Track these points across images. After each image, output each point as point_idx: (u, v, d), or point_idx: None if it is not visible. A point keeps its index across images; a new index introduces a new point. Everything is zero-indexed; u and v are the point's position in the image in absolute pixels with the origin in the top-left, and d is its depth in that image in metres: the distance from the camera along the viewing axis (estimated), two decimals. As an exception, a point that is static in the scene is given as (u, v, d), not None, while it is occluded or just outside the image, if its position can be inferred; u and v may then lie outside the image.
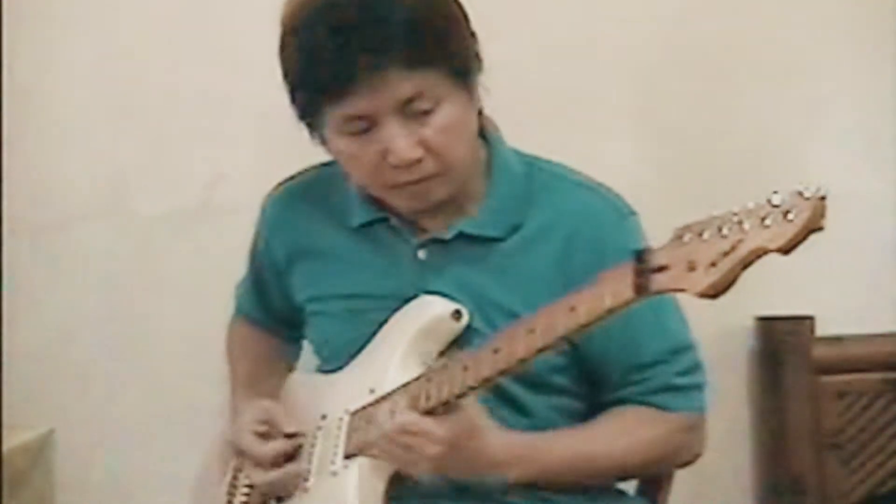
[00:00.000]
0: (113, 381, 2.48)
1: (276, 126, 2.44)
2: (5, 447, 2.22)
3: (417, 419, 1.68)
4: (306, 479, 1.87)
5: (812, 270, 2.41)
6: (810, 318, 2.51)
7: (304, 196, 1.98)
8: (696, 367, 1.85)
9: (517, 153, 1.89)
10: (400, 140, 1.72)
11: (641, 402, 1.81)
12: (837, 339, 2.54)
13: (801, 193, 1.37)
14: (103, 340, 2.49)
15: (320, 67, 1.71)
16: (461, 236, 1.83)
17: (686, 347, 1.85)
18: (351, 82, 1.69)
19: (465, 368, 1.69)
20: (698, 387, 1.85)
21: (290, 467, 1.88)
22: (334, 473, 1.82)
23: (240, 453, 1.94)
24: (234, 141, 2.49)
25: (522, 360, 1.63)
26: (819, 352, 2.52)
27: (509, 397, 1.79)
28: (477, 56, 1.79)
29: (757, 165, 2.56)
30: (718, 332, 2.52)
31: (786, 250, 1.37)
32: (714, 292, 1.43)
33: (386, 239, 1.88)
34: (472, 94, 1.78)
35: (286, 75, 1.79)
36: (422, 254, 1.85)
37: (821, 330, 2.52)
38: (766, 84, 2.57)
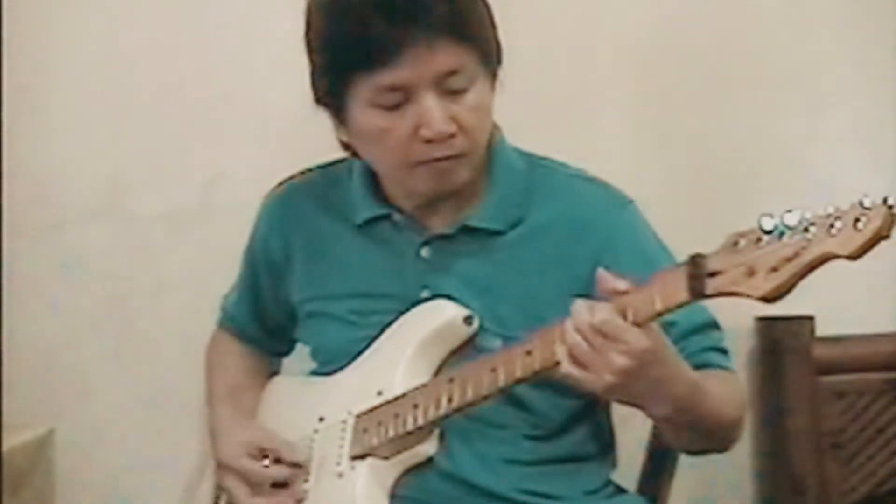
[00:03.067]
0: (113, 381, 2.48)
1: (276, 126, 2.47)
2: (5, 447, 2.22)
3: (621, 322, 1.58)
4: (305, 481, 1.87)
5: (812, 270, 2.41)
6: (810, 318, 2.51)
7: (304, 194, 1.98)
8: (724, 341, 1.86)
9: (517, 150, 1.90)
10: (436, 113, 1.73)
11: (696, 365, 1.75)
12: (837, 339, 2.53)
13: (863, 204, 1.40)
14: (103, 340, 2.49)
15: (368, 35, 1.72)
16: (464, 230, 1.84)
17: (718, 325, 1.85)
18: (400, 49, 1.71)
19: (493, 370, 1.70)
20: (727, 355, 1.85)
21: (280, 499, 1.88)
22: (340, 475, 1.82)
23: (231, 473, 1.93)
24: (234, 141, 2.49)
25: (559, 363, 1.64)
26: (819, 352, 2.51)
27: (510, 393, 1.79)
28: (500, 48, 1.82)
29: (757, 165, 2.57)
30: (718, 331, 2.52)
31: (854, 257, 1.40)
32: (775, 296, 1.46)
33: (389, 237, 1.88)
34: (494, 84, 1.81)
35: (318, 46, 1.80)
36: (425, 252, 1.86)
37: (821, 330, 2.52)
38: (766, 84, 2.57)
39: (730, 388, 1.80)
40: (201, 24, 2.47)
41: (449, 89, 1.75)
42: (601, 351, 1.58)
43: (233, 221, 2.38)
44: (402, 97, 1.74)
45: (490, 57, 1.79)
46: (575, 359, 1.61)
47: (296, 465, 1.88)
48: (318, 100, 1.83)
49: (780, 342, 2.52)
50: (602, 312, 1.59)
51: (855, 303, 2.57)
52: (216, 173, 2.49)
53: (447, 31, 1.72)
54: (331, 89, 1.79)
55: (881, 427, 2.54)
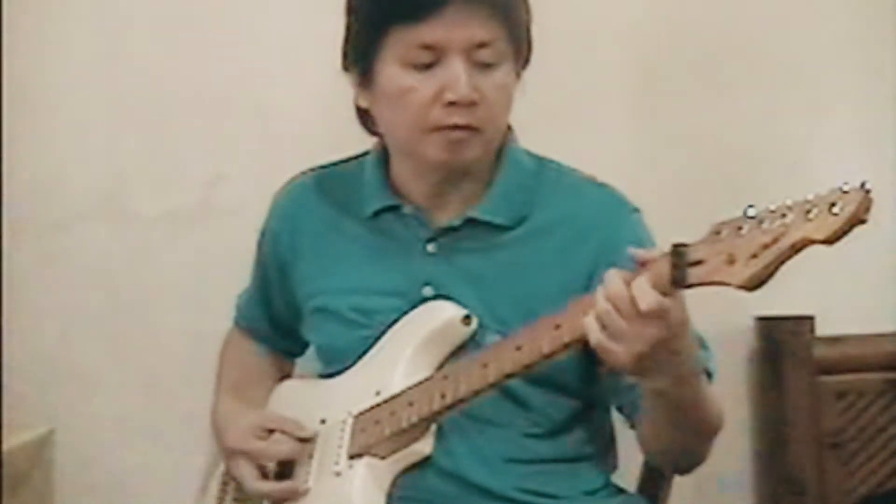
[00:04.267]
0: (113, 381, 2.48)
1: (276, 126, 2.47)
2: (5, 447, 2.22)
3: (658, 296, 1.55)
4: (305, 481, 1.87)
5: (812, 270, 2.41)
6: (810, 318, 2.51)
7: (314, 191, 1.99)
8: (712, 358, 1.85)
9: (527, 152, 1.92)
10: (463, 78, 1.77)
11: None
12: (837, 339, 2.53)
13: (841, 188, 1.40)
14: (103, 340, 2.49)
15: None
16: (469, 223, 1.86)
17: (705, 344, 1.84)
18: (442, 8, 1.75)
19: (485, 365, 1.70)
20: (712, 377, 1.84)
21: (287, 483, 1.88)
22: (338, 474, 1.82)
23: (239, 457, 1.93)
24: (234, 141, 2.49)
25: (548, 356, 1.65)
26: (819, 352, 2.51)
27: (510, 391, 1.80)
28: (530, 48, 1.85)
29: (757, 165, 2.57)
30: (718, 332, 2.51)
31: (831, 241, 1.40)
32: (754, 284, 1.45)
33: (396, 232, 1.89)
34: (518, 77, 1.84)
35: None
36: (431, 247, 1.87)
37: (821, 330, 2.52)
38: (766, 84, 2.57)
39: (716, 400, 1.77)
40: (201, 24, 2.47)
41: (478, 61, 1.78)
42: (634, 321, 1.56)
43: (233, 221, 2.39)
44: (433, 57, 1.78)
45: (521, 46, 1.83)
46: (605, 328, 1.59)
47: (303, 441, 1.88)
48: (347, 59, 1.86)
49: (780, 342, 2.52)
50: (648, 298, 1.55)
51: (855, 303, 2.57)
52: (216, 173, 2.49)
53: (490, 3, 1.77)
54: (364, 45, 1.82)
55: (881, 427, 2.55)
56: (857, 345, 2.55)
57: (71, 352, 2.48)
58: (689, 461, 1.86)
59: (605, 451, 1.91)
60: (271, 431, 1.91)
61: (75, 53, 2.47)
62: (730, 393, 2.56)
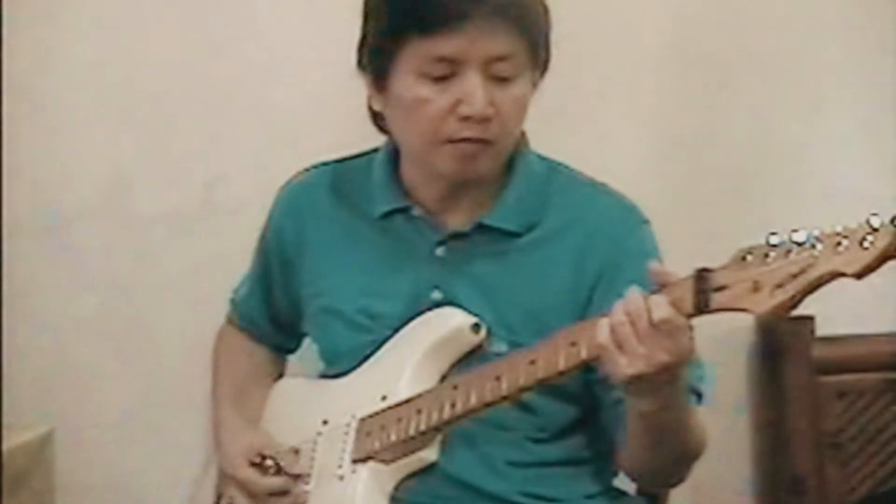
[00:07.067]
0: (113, 381, 2.48)
1: (276, 126, 2.47)
2: (5, 447, 2.22)
3: (680, 321, 1.56)
4: (306, 483, 1.87)
5: (812, 270, 2.41)
6: (810, 318, 2.51)
7: (322, 186, 1.97)
8: (705, 378, 1.84)
9: (538, 155, 1.90)
10: (480, 92, 1.74)
11: None
12: (837, 339, 2.54)
13: (871, 223, 1.41)
14: (103, 340, 2.49)
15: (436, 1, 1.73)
16: (479, 229, 1.84)
17: (699, 362, 1.83)
18: (462, 21, 1.72)
19: (498, 378, 1.70)
20: (702, 398, 1.83)
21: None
22: (341, 478, 1.82)
23: (231, 481, 1.93)
24: (234, 141, 2.49)
25: (563, 372, 1.65)
26: (819, 352, 2.51)
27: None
28: (548, 56, 1.83)
29: (757, 165, 2.57)
30: (718, 331, 2.52)
31: (860, 276, 1.41)
32: (779, 314, 1.47)
33: (405, 234, 1.88)
34: (535, 86, 1.82)
35: (380, 4, 1.80)
36: (440, 251, 1.85)
37: (821, 330, 2.52)
38: (766, 84, 2.57)
39: (700, 427, 1.76)
40: (201, 23, 2.47)
41: (496, 75, 1.76)
42: (646, 342, 1.57)
43: (233, 221, 2.39)
44: (449, 70, 1.75)
45: (539, 58, 1.81)
46: (616, 338, 1.59)
47: (295, 476, 1.88)
48: (362, 63, 1.83)
49: (780, 342, 2.52)
50: (662, 310, 1.56)
51: (855, 303, 2.57)
52: (216, 173, 2.49)
53: (511, 16, 1.74)
54: (380, 51, 1.79)
55: (881, 427, 2.54)
56: (857, 345, 2.55)
57: (71, 352, 2.49)
58: (663, 482, 1.86)
59: (607, 454, 1.89)
60: (265, 458, 1.90)
61: (76, 53, 2.47)
62: (730, 393, 2.56)
